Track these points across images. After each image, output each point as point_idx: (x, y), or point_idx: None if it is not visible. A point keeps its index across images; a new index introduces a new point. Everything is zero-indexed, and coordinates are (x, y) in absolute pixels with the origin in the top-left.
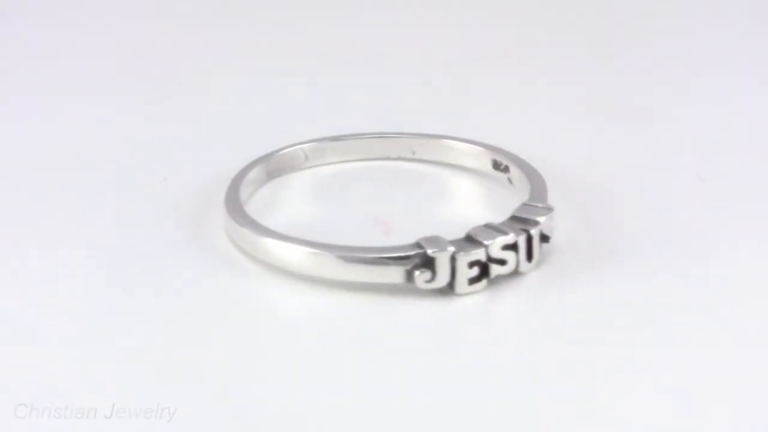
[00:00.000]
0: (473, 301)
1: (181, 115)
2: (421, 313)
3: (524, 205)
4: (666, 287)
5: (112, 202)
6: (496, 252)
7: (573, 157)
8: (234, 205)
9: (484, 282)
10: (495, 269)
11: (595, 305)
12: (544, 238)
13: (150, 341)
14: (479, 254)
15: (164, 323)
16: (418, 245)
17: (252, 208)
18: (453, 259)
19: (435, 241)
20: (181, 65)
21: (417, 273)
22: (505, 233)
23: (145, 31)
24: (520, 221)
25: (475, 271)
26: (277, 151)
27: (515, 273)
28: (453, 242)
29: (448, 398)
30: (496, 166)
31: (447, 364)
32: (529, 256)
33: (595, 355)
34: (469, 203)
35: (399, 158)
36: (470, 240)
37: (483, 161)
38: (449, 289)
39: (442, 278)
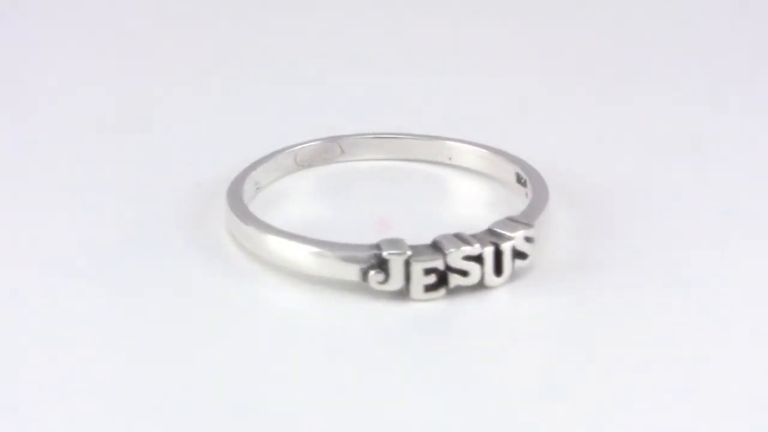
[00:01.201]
0: (429, 307)
1: (182, 114)
2: (373, 315)
3: (506, 219)
4: (644, 311)
5: (112, 202)
6: (456, 262)
7: (583, 167)
8: (234, 196)
9: (442, 291)
10: (454, 279)
11: (560, 330)
12: (520, 255)
13: (148, 340)
14: (436, 262)
15: (160, 322)
16: (376, 246)
17: (261, 200)
18: (407, 264)
19: (394, 243)
20: (181, 65)
21: (371, 273)
22: (469, 244)
23: (145, 30)
24: (493, 234)
25: (432, 278)
26: (309, 142)
27: (481, 286)
28: (414, 247)
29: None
30: (519, 179)
31: (372, 365)
32: (498, 270)
33: (535, 374)
34: (479, 211)
35: (435, 162)
36: (434, 247)
37: (508, 173)
38: (406, 293)
39: (396, 281)
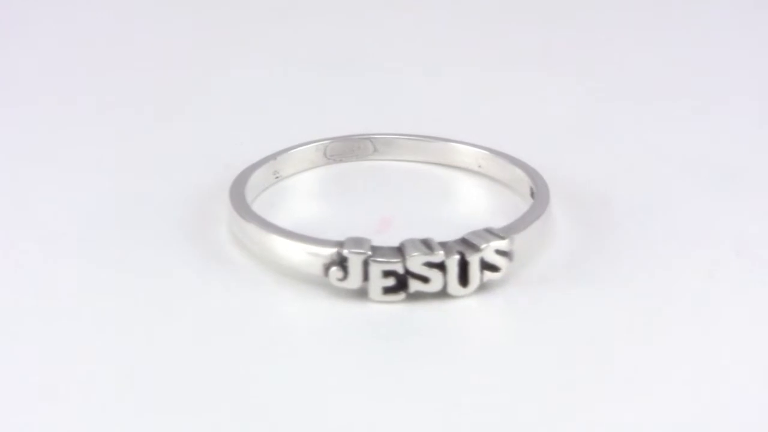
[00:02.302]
0: (386, 310)
1: (184, 116)
2: (331, 312)
3: (483, 230)
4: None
5: (113, 203)
6: (416, 267)
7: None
8: (238, 183)
9: (402, 295)
10: (414, 284)
11: (515, 344)
12: (490, 267)
13: (146, 341)
14: (396, 265)
15: (158, 323)
16: (340, 243)
17: (276, 190)
18: (366, 264)
19: (357, 241)
20: (184, 66)
21: (332, 269)
22: (432, 251)
23: (145, 29)
24: (464, 244)
25: (392, 281)
26: (342, 137)
27: (444, 294)
28: (377, 248)
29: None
30: (532, 193)
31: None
32: (464, 280)
33: (479, 383)
34: (486, 220)
35: (463, 168)
36: (398, 250)
37: (524, 187)
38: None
39: (354, 280)
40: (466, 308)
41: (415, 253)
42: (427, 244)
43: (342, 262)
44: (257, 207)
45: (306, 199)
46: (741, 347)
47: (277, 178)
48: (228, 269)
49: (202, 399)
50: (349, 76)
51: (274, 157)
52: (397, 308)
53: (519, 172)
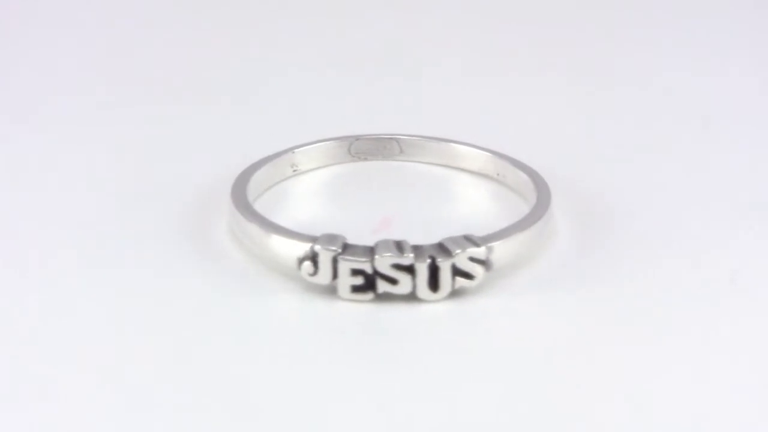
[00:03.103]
0: (354, 308)
1: (186, 118)
2: (300, 307)
3: (461, 236)
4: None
5: (114, 204)
6: (384, 268)
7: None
8: (239, 183)
9: (370, 294)
10: (383, 285)
11: (474, 356)
12: (464, 274)
13: (144, 340)
14: (363, 264)
15: (155, 320)
16: (314, 238)
17: (292, 183)
18: (335, 261)
19: (330, 238)
20: (188, 67)
21: (305, 264)
22: (402, 253)
23: (149, 30)
24: (439, 249)
25: (360, 280)
26: (368, 135)
27: (413, 298)
28: (350, 246)
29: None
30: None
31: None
32: (434, 285)
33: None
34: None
35: (483, 175)
36: (371, 249)
37: (531, 196)
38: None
39: (324, 276)
40: (435, 313)
41: (386, 254)
42: (399, 246)
43: (314, 258)
44: (267, 198)
45: (318, 194)
46: (738, 350)
47: (294, 171)
48: (220, 261)
49: (193, 397)
50: (378, 77)
51: (292, 150)
52: (366, 308)
53: (527, 182)
